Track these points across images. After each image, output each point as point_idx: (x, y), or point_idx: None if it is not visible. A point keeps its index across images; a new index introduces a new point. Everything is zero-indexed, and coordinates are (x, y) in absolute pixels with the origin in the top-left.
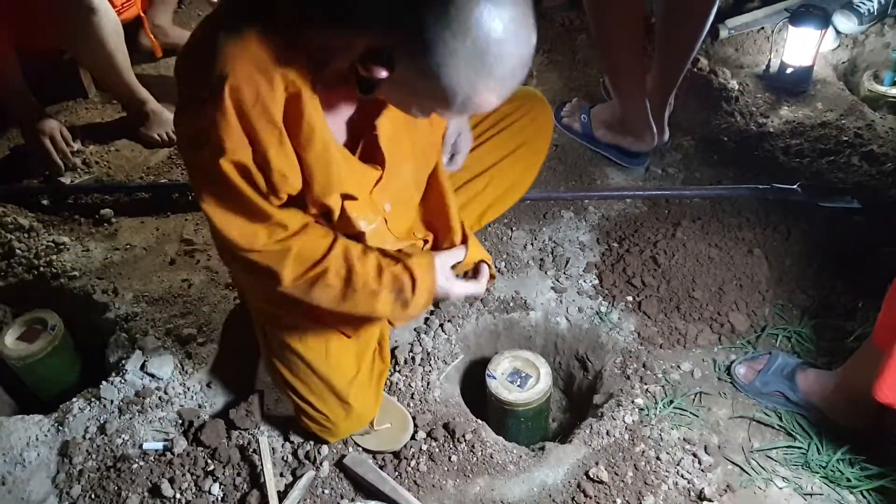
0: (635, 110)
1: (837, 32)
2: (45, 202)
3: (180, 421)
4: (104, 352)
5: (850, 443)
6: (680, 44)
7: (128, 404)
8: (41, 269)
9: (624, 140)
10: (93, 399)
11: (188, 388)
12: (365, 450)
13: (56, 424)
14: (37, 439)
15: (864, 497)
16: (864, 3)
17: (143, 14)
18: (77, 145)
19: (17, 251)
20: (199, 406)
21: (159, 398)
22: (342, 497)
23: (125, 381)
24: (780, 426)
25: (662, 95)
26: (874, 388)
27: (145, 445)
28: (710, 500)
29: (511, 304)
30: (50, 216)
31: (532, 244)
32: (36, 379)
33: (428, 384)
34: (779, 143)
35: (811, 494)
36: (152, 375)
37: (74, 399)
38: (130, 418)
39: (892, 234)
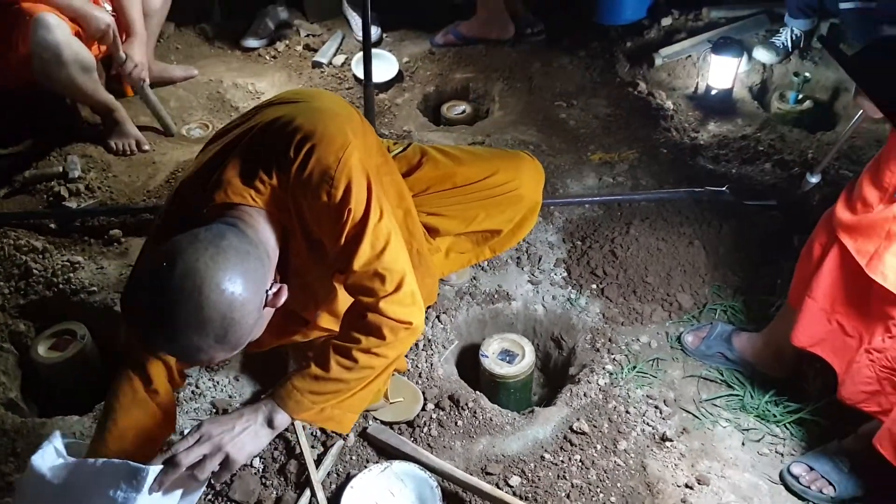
0: (492, 8)
1: (750, 59)
2: (52, 226)
3: (214, 410)
4: None
5: (776, 388)
6: None
7: None
8: (60, 286)
9: (490, 33)
10: None
11: (217, 382)
12: (383, 422)
13: (97, 421)
14: (82, 434)
15: (788, 428)
16: (777, 39)
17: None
18: (77, 172)
19: (35, 271)
20: (230, 396)
21: (192, 392)
22: (367, 461)
23: None
24: (721, 380)
25: None
26: (792, 337)
27: (185, 433)
28: (671, 440)
29: (495, 296)
30: (61, 238)
31: None
32: (68, 384)
33: (431, 365)
34: (708, 154)
35: (748, 430)
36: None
37: None
38: None
39: (802, 225)
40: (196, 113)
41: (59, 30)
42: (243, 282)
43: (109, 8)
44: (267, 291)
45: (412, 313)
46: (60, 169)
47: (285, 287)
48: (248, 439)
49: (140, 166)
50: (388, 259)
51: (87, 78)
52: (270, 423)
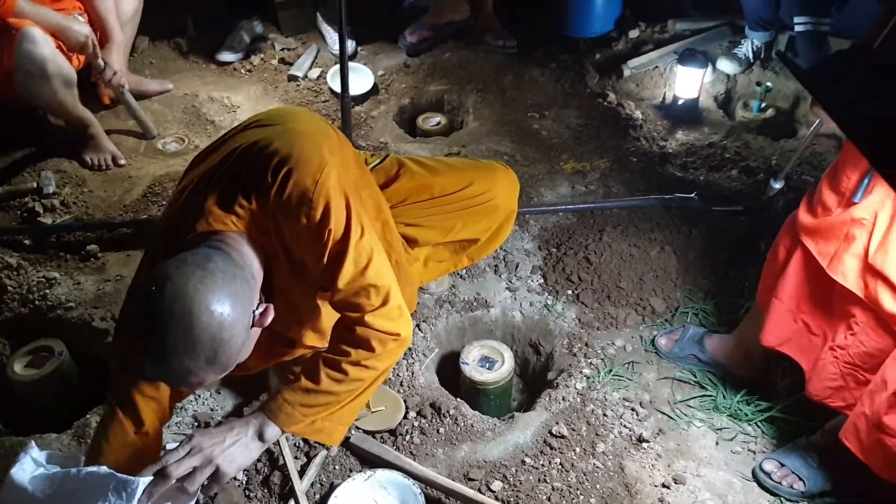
0: None
1: (715, 70)
2: (27, 242)
3: (196, 423)
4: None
5: (747, 388)
6: None
7: None
8: (36, 302)
9: (445, 17)
10: None
11: (199, 395)
12: (365, 431)
13: (76, 438)
14: (60, 452)
15: (759, 426)
16: (739, 51)
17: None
18: (52, 188)
19: (9, 288)
20: (212, 410)
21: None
22: (351, 470)
23: None
24: (695, 381)
25: None
26: (760, 337)
27: (168, 447)
28: (647, 441)
29: (474, 304)
30: (36, 255)
31: None
32: (45, 401)
33: (413, 374)
34: (677, 161)
35: (721, 429)
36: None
37: (88, 415)
38: None
39: (768, 229)
40: (172, 127)
41: (45, 44)
42: (231, 303)
43: (83, 19)
44: (254, 312)
45: (400, 325)
46: (35, 185)
47: (271, 307)
48: (238, 452)
49: (116, 181)
50: (373, 274)
51: (68, 93)
52: (261, 437)
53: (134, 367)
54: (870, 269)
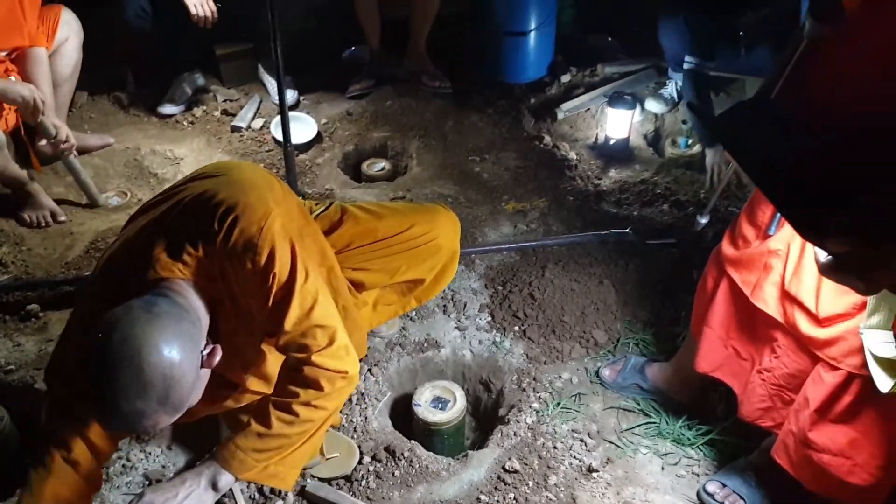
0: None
1: (643, 110)
2: None
3: (147, 482)
4: None
5: (687, 413)
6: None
7: None
8: None
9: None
10: None
11: (149, 454)
12: (321, 479)
13: None
14: None
15: (701, 449)
16: (665, 91)
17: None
18: None
19: None
20: (163, 466)
21: (122, 466)
22: None
23: None
24: (639, 409)
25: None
26: (695, 364)
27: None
28: (597, 470)
29: (425, 345)
30: None
31: None
32: None
33: (366, 418)
34: (611, 198)
35: (666, 454)
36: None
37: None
38: None
39: (700, 259)
40: (113, 181)
41: None
42: (180, 343)
43: (14, 79)
44: (202, 352)
45: (347, 363)
46: None
47: (219, 347)
48: None
49: (56, 238)
50: (318, 315)
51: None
52: (214, 486)
53: (72, 413)
54: (787, 296)
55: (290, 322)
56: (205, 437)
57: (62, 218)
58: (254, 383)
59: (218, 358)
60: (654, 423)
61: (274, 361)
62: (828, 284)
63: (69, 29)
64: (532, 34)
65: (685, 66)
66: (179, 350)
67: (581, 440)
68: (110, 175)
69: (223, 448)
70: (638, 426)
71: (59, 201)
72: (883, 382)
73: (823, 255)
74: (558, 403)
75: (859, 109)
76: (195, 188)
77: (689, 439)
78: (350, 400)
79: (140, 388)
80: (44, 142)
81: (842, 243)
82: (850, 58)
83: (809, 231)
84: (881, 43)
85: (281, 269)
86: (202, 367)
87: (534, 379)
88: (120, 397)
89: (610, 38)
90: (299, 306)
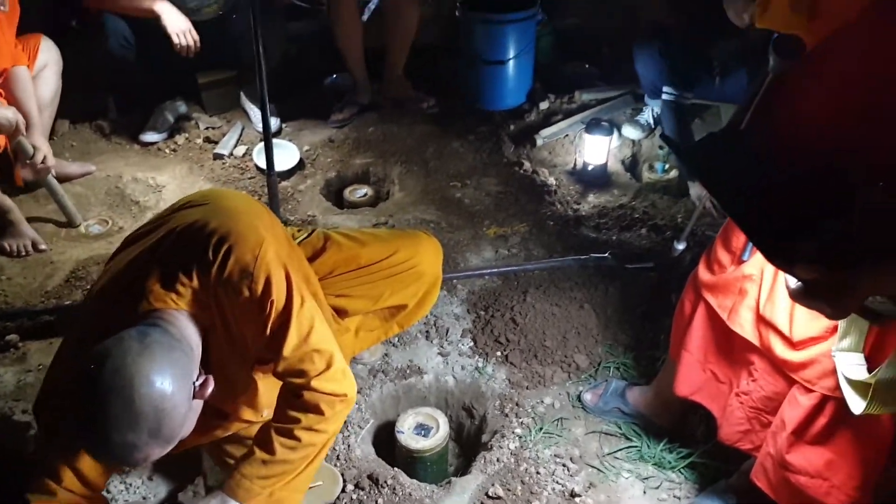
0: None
1: (620, 135)
2: None
3: None
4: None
5: (668, 436)
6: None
7: None
8: None
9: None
10: None
11: (129, 485)
12: None
13: None
14: None
15: (682, 472)
16: (641, 117)
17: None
18: None
19: None
20: (144, 498)
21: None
22: None
23: None
24: (620, 433)
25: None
26: (674, 388)
27: None
28: (580, 496)
29: (407, 371)
30: None
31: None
32: None
33: (349, 446)
34: (590, 223)
35: (647, 478)
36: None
37: None
38: None
39: (678, 283)
40: (95, 209)
41: None
42: (171, 373)
43: (3, 102)
44: (194, 383)
45: (345, 386)
46: None
47: (211, 378)
48: None
49: (37, 266)
50: (315, 340)
51: None
52: None
53: (62, 446)
54: (762, 320)
55: (288, 348)
56: (186, 468)
57: (43, 247)
58: (245, 412)
59: (210, 388)
60: (636, 446)
61: (264, 390)
62: (801, 308)
63: (48, 56)
64: (511, 62)
65: (664, 97)
66: (171, 381)
67: (564, 465)
68: (91, 203)
69: (230, 478)
70: (620, 450)
71: (38, 228)
72: (855, 404)
73: (793, 282)
74: (541, 428)
75: (821, 147)
76: (185, 217)
77: (670, 462)
78: None
79: (131, 420)
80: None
81: (809, 270)
82: (810, 96)
83: (778, 258)
84: (835, 83)
85: (278, 297)
86: (194, 397)
87: (516, 404)
88: (111, 429)
89: (587, 66)
90: (297, 332)
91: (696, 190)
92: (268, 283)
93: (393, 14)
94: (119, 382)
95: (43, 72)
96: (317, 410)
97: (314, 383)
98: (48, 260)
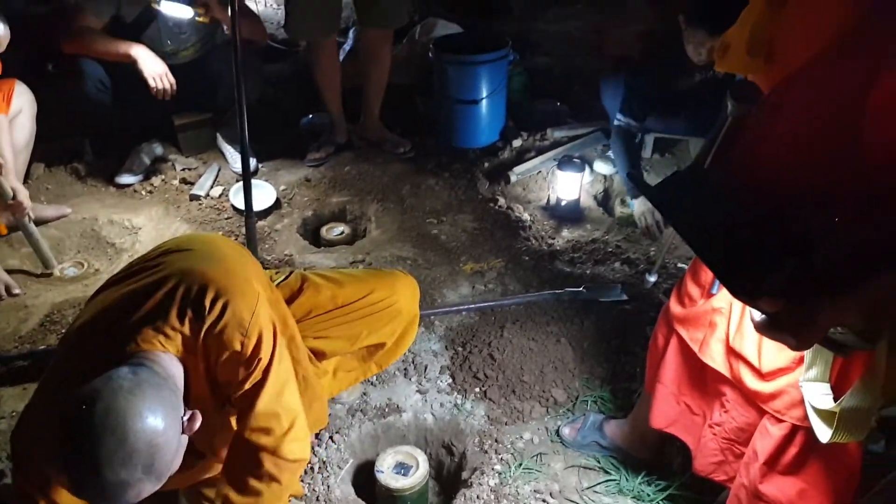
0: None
1: (592, 171)
2: None
3: None
4: None
5: (646, 469)
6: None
7: None
8: None
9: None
10: None
11: None
12: None
13: None
14: None
15: None
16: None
17: None
18: None
19: None
20: None
21: None
22: None
23: None
24: (599, 467)
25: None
26: (650, 420)
27: None
28: None
29: (386, 410)
30: None
31: None
32: None
33: (328, 487)
34: (564, 258)
35: None
36: None
37: None
38: None
39: (652, 316)
40: (70, 252)
41: None
42: (162, 409)
43: None
44: (182, 418)
45: (305, 448)
46: None
47: (198, 412)
48: None
49: (10, 311)
50: (286, 400)
51: None
52: None
53: (42, 490)
54: (732, 352)
55: (262, 403)
56: None
57: (17, 291)
58: (223, 451)
59: (198, 423)
60: (615, 480)
61: None
62: (768, 340)
63: (22, 101)
64: (484, 102)
65: (615, 122)
66: (163, 417)
67: (543, 500)
68: (67, 246)
69: None
70: (599, 484)
71: (13, 273)
72: (822, 433)
73: (758, 314)
74: (520, 464)
75: (780, 185)
76: (176, 263)
77: (648, 495)
78: (312, 468)
79: (125, 456)
80: None
81: (772, 303)
82: (767, 137)
83: (742, 293)
84: (790, 123)
85: (265, 355)
86: (183, 432)
87: (496, 440)
88: (104, 467)
89: (559, 104)
90: (273, 389)
91: (638, 207)
92: (259, 341)
93: (367, 55)
94: (112, 420)
95: (18, 117)
96: (278, 480)
97: (282, 447)
98: (22, 304)
